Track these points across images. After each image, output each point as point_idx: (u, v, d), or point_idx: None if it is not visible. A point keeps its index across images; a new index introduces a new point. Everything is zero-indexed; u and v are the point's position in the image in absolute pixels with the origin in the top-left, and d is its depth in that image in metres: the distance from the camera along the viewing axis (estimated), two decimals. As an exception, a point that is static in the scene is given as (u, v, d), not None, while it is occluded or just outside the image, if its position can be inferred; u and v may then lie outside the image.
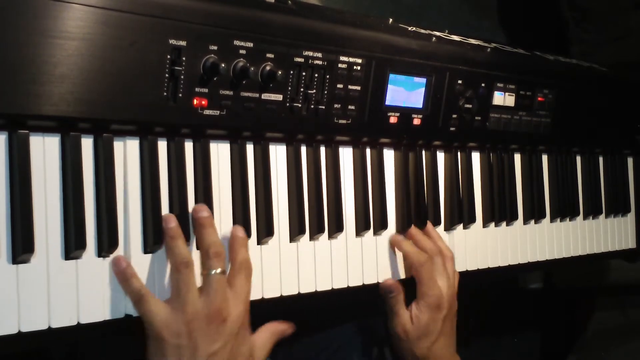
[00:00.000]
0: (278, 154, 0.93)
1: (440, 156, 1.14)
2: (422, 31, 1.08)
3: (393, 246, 1.06)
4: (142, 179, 0.80)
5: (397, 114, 1.02)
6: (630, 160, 1.53)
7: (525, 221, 1.27)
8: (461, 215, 1.15)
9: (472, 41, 1.16)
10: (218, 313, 0.78)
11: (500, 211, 1.21)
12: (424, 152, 1.11)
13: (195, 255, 0.82)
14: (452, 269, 1.07)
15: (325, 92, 0.92)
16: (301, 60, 0.89)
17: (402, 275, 1.06)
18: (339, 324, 1.20)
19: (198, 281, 0.80)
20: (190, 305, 0.76)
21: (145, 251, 0.80)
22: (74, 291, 0.74)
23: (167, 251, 0.80)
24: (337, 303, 1.03)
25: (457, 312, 1.08)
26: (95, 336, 0.78)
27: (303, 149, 0.96)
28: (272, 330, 0.88)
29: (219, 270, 0.79)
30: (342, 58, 0.93)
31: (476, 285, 1.08)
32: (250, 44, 0.83)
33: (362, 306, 1.22)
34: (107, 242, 0.76)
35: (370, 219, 1.03)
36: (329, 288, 0.98)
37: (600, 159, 1.46)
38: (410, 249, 1.05)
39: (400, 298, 1.03)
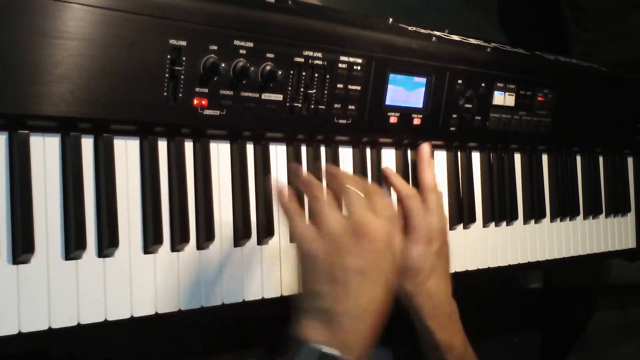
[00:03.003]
0: (278, 153, 0.93)
1: (441, 156, 1.14)
2: (422, 31, 1.08)
3: (384, 174, 1.04)
4: (142, 179, 0.80)
5: (397, 114, 1.02)
6: (630, 160, 1.53)
7: (526, 221, 1.27)
8: (461, 215, 1.15)
9: (472, 41, 1.16)
10: (361, 228, 0.77)
11: (500, 211, 1.21)
12: (424, 152, 1.11)
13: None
14: (441, 204, 1.04)
15: (325, 92, 0.92)
16: (301, 60, 0.89)
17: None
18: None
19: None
20: (333, 222, 0.77)
21: (146, 251, 0.80)
22: (74, 291, 0.74)
23: (299, 186, 0.83)
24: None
25: (449, 256, 1.03)
26: (96, 336, 0.78)
27: (303, 148, 0.96)
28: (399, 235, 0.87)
29: (358, 192, 0.80)
30: (342, 58, 0.93)
31: (476, 285, 1.07)
32: (250, 44, 0.83)
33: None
34: (107, 242, 0.76)
35: (370, 219, 1.03)
36: (329, 288, 0.98)
37: (600, 159, 1.46)
38: (400, 181, 1.03)
39: None
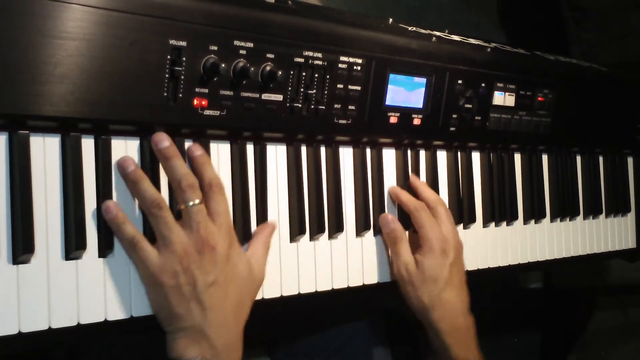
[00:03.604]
0: (278, 154, 0.93)
1: (441, 156, 1.14)
2: (422, 31, 1.08)
3: (391, 196, 1.04)
4: (142, 179, 0.80)
5: (397, 114, 1.02)
6: (630, 160, 1.53)
7: (526, 221, 1.27)
8: (461, 215, 1.15)
9: (472, 41, 1.16)
10: (206, 243, 0.77)
11: (500, 211, 1.21)
12: (424, 152, 1.11)
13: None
14: (451, 216, 1.05)
15: (326, 92, 0.92)
16: (301, 60, 0.89)
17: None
18: (339, 323, 1.20)
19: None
20: (177, 243, 0.76)
21: (146, 251, 0.80)
22: (74, 291, 0.74)
23: (135, 197, 0.78)
24: (338, 303, 1.03)
25: (464, 271, 1.04)
26: (96, 336, 0.78)
27: (303, 149, 0.96)
28: (262, 240, 0.87)
29: (196, 201, 0.78)
30: (342, 58, 0.93)
31: (476, 285, 1.07)
32: (250, 44, 0.83)
33: (362, 306, 1.22)
34: (107, 243, 0.76)
35: (370, 219, 1.03)
36: (329, 288, 0.98)
37: (600, 159, 1.46)
38: (407, 196, 1.03)
39: (400, 236, 1.00)
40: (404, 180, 1.07)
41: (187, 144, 0.84)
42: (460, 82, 1.08)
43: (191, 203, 0.78)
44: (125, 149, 0.79)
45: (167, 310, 0.77)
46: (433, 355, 1.01)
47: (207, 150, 0.85)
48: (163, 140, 0.78)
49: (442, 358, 1.00)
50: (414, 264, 0.99)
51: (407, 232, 1.03)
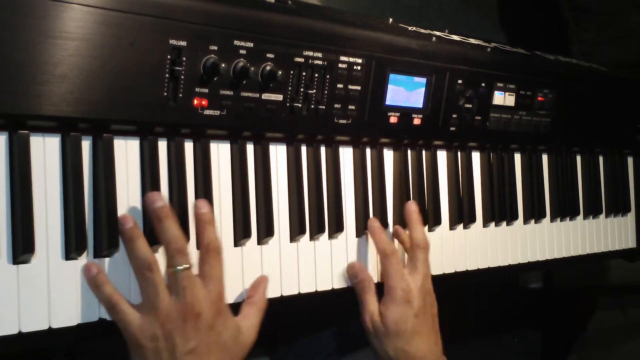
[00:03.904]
0: (278, 154, 0.93)
1: (441, 156, 1.14)
2: (422, 31, 1.08)
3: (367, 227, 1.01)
4: (142, 179, 0.80)
5: (397, 114, 1.02)
6: (630, 160, 1.53)
7: (526, 221, 1.27)
8: (461, 215, 1.15)
9: (472, 41, 1.16)
10: (190, 310, 0.76)
11: (500, 211, 1.21)
12: (424, 152, 1.11)
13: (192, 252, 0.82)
14: (427, 263, 1.01)
15: (326, 92, 0.92)
16: (301, 60, 0.89)
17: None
18: (338, 324, 1.20)
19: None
20: (161, 308, 0.74)
21: (146, 251, 0.80)
22: (75, 291, 0.74)
23: (127, 254, 0.77)
24: (338, 303, 1.03)
25: (437, 313, 1.01)
26: (96, 337, 0.78)
27: (303, 148, 0.96)
28: (256, 305, 0.85)
29: (185, 266, 0.76)
30: (342, 58, 0.93)
31: (476, 285, 1.06)
32: (250, 44, 0.83)
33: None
34: (107, 243, 0.76)
35: (370, 219, 1.03)
36: (330, 288, 0.98)
37: (600, 159, 1.46)
38: (381, 238, 0.99)
39: (368, 286, 0.98)
40: (403, 181, 1.07)
41: (187, 144, 0.84)
42: (460, 82, 1.08)
43: (180, 267, 0.76)
44: (125, 149, 0.79)
45: None
46: None
47: (207, 150, 0.85)
48: (156, 201, 0.77)
49: None
50: (378, 315, 0.96)
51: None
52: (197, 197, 0.84)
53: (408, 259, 1.01)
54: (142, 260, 0.75)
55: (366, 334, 0.99)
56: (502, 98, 1.16)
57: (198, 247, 0.82)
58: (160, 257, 0.78)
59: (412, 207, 1.03)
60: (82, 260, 0.75)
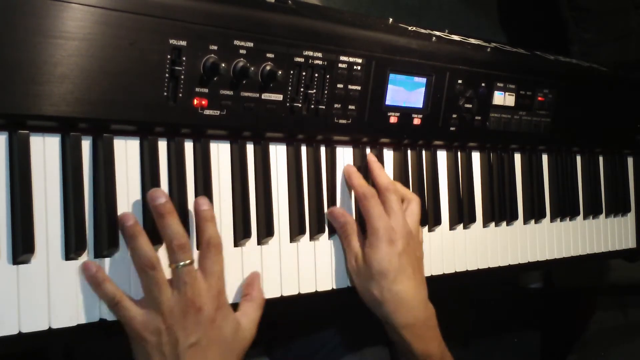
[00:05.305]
0: (278, 154, 0.93)
1: (441, 156, 1.14)
2: (422, 31, 1.08)
3: (345, 176, 0.99)
4: (142, 179, 0.80)
5: (397, 114, 1.02)
6: (630, 160, 1.53)
7: (526, 221, 1.27)
8: (461, 215, 1.15)
9: (472, 41, 1.16)
10: (192, 304, 0.77)
11: (500, 211, 1.21)
12: (424, 152, 1.11)
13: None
14: (417, 210, 1.00)
15: (326, 92, 0.92)
16: (301, 60, 0.89)
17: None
18: (337, 323, 1.20)
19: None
20: (164, 303, 0.76)
21: (146, 251, 0.80)
22: (75, 291, 0.74)
23: (130, 252, 0.77)
24: (338, 303, 1.03)
25: (422, 258, 1.00)
26: (96, 337, 0.78)
27: (303, 148, 0.96)
28: (254, 301, 0.86)
29: (186, 262, 0.77)
30: (342, 58, 0.93)
31: (476, 285, 1.06)
32: (250, 44, 0.83)
33: (361, 307, 1.22)
34: (107, 243, 0.76)
35: (370, 219, 1.02)
36: (330, 288, 0.98)
37: (600, 159, 1.46)
38: (360, 182, 0.97)
39: (351, 228, 0.96)
40: (403, 181, 1.07)
41: (187, 144, 0.84)
42: (460, 82, 1.08)
43: (181, 263, 0.77)
44: (125, 149, 0.79)
45: None
46: (404, 355, 0.98)
47: (207, 150, 0.85)
48: (159, 197, 0.77)
49: (403, 353, 0.97)
50: (362, 256, 0.95)
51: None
52: (197, 196, 0.84)
53: (382, 204, 0.97)
54: (144, 258, 0.76)
55: (352, 276, 0.97)
56: (502, 98, 1.16)
57: (198, 246, 0.82)
58: (160, 253, 0.79)
59: (371, 157, 1.02)
60: (82, 260, 0.75)
